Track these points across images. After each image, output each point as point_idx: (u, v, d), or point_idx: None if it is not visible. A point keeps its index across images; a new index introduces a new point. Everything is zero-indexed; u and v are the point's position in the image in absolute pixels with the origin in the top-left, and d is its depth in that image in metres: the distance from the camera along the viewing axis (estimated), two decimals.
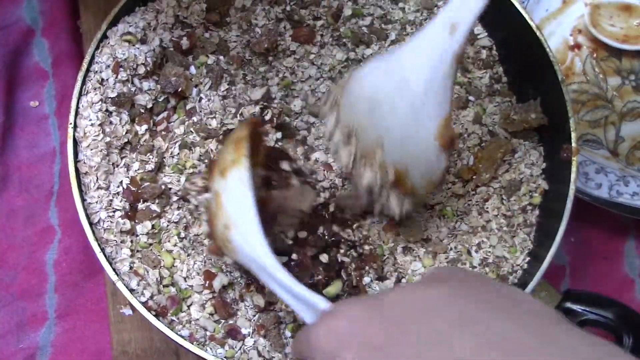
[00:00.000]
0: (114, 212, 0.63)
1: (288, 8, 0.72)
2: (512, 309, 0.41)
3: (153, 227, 0.64)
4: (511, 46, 0.71)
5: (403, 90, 0.54)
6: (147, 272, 0.62)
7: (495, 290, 0.44)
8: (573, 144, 0.64)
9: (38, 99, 0.83)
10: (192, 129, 0.67)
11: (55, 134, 0.82)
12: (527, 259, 0.65)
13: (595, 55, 0.83)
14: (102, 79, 0.65)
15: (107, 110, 0.65)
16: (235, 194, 0.53)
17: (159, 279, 0.62)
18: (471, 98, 0.71)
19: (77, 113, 0.64)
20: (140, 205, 0.65)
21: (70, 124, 0.64)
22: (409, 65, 0.54)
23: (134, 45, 0.66)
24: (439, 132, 0.54)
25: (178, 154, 0.67)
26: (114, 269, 0.60)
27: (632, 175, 0.80)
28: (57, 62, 0.84)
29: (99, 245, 0.61)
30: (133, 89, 0.66)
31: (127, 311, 0.72)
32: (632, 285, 0.81)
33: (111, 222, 0.63)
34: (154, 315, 0.59)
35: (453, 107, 0.64)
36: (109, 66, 0.65)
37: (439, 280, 0.45)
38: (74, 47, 0.84)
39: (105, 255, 0.61)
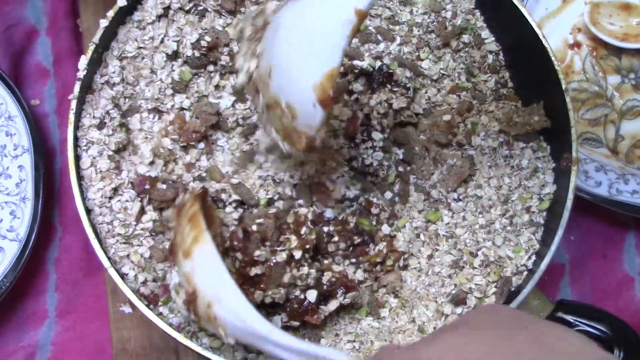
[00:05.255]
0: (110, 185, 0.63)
1: None
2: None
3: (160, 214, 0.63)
4: (518, 52, 0.70)
5: (300, 21, 0.51)
6: (144, 259, 0.62)
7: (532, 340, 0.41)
8: (574, 154, 0.64)
9: (39, 97, 0.83)
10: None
11: (55, 132, 0.82)
12: (533, 258, 0.64)
13: (595, 53, 0.83)
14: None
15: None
16: (208, 271, 0.52)
17: (155, 267, 0.62)
18: (475, 102, 0.70)
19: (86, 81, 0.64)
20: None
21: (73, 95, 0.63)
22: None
23: (195, 29, 0.67)
24: (320, 83, 0.50)
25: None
26: (104, 251, 0.60)
27: (632, 174, 0.80)
28: (58, 60, 0.84)
29: (90, 221, 0.61)
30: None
31: (127, 309, 0.73)
32: (632, 283, 0.81)
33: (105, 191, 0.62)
34: (145, 305, 0.59)
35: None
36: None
37: (473, 328, 0.43)
38: (73, 45, 0.84)
39: (93, 227, 0.60)
